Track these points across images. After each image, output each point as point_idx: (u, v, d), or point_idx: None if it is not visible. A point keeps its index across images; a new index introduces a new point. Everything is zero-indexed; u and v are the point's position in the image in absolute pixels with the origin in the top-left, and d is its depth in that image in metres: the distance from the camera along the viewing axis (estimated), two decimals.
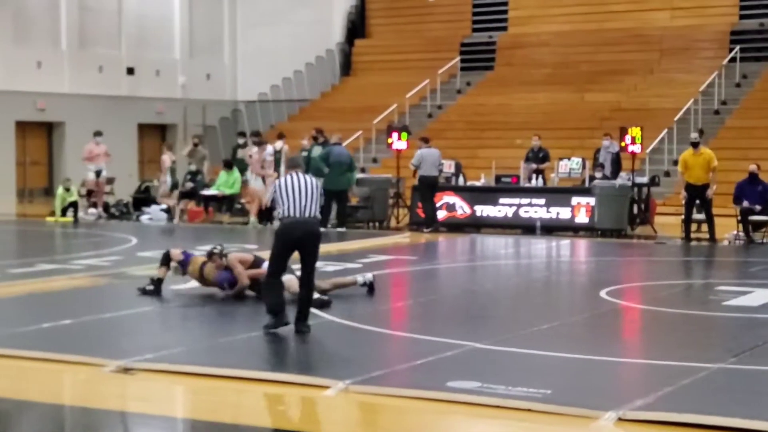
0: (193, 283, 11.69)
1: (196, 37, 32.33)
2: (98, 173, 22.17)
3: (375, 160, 27.47)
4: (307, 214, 9.24)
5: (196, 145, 23.53)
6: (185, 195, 22.08)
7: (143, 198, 22.41)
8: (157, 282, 11.33)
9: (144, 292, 11.24)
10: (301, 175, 9.45)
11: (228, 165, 21.78)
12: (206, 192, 21.57)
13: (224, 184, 21.41)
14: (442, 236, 18.85)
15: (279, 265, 9.43)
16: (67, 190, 21.09)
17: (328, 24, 33.14)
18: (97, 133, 22.74)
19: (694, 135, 18.44)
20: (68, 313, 10.12)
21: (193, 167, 22.35)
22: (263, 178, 19.93)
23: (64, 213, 20.96)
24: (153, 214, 21.64)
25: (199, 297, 11.22)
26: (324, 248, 15.93)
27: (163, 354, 8.17)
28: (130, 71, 30.25)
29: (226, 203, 21.39)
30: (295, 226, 9.23)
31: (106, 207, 22.34)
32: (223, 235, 18.82)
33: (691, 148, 17.92)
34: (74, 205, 21.11)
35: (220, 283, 11.14)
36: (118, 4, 30.01)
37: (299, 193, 9.27)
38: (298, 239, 9.25)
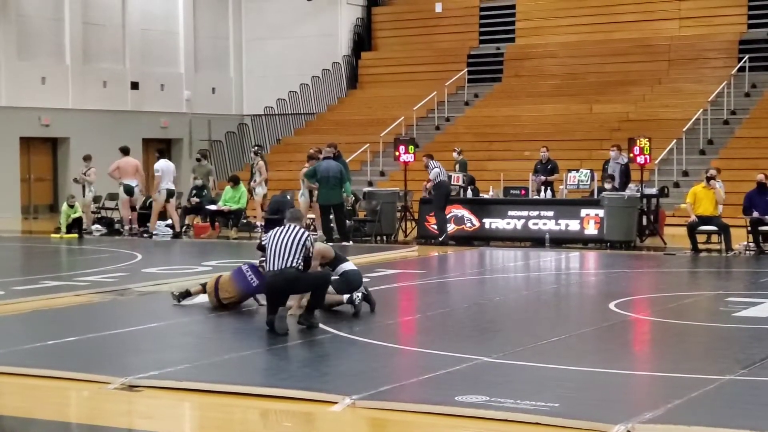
0: (201, 298, 11.63)
1: (201, 51, 32.36)
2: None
3: (382, 173, 27.42)
4: (285, 266, 9.82)
5: (198, 160, 23.46)
6: (191, 210, 22.04)
7: (148, 214, 22.31)
8: (186, 293, 11.48)
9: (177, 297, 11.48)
10: (292, 228, 10.04)
11: (234, 180, 21.74)
12: (212, 207, 21.51)
13: (231, 199, 21.38)
14: (451, 249, 18.77)
15: (273, 309, 9.84)
16: (71, 206, 21.06)
17: (334, 37, 33.14)
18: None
19: (712, 171, 18.27)
20: (73, 330, 10.07)
21: (198, 182, 22.29)
22: (310, 192, 19.94)
23: (69, 230, 20.93)
24: (158, 230, 21.59)
25: (204, 312, 11.16)
26: None
27: (168, 371, 8.10)
28: (135, 86, 30.27)
29: (233, 218, 21.33)
30: (276, 277, 9.88)
31: (111, 223, 22.28)
32: (230, 250, 18.77)
33: (704, 182, 17.82)
34: (79, 221, 21.09)
35: (252, 291, 11.19)
36: (122, 19, 30.05)
37: (282, 247, 9.88)
38: (282, 288, 9.86)
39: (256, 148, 22.75)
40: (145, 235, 21.05)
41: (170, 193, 21.05)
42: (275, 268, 9.92)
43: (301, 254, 9.94)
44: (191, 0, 31.81)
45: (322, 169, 19.22)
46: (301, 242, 9.96)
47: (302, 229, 10.12)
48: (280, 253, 9.91)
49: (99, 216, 22.75)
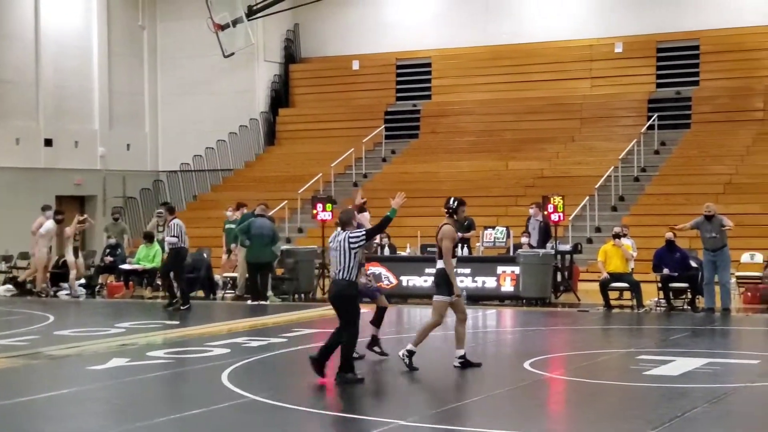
0: (114, 362, 11.43)
1: (116, 108, 32.04)
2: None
3: (300, 230, 27.39)
4: (339, 276, 10.49)
5: (116, 219, 23.19)
6: (105, 269, 21.72)
7: (61, 273, 21.91)
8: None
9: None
10: (339, 234, 10.64)
11: (148, 238, 21.50)
12: (126, 266, 21.24)
13: (145, 257, 21.12)
14: (368, 308, 18.71)
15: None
16: None
17: (251, 93, 33.15)
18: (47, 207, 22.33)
19: (617, 229, 18.78)
20: None
21: (112, 241, 22.02)
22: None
23: None
24: (71, 290, 21.22)
25: (116, 377, 10.96)
26: (246, 322, 15.92)
27: None
28: (48, 143, 29.79)
29: (147, 277, 21.06)
30: (331, 287, 10.71)
31: (23, 283, 21.83)
32: (145, 310, 18.51)
33: (612, 240, 18.29)
34: None
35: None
36: (35, 76, 29.65)
37: (336, 256, 10.51)
38: (333, 301, 10.66)
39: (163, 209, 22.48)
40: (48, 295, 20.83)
41: None
42: (333, 276, 10.70)
43: (351, 259, 10.39)
44: (106, 56, 31.57)
45: (256, 226, 19.27)
46: (344, 248, 10.44)
47: (343, 233, 10.59)
48: (337, 261, 10.51)
49: (10, 276, 22.27)
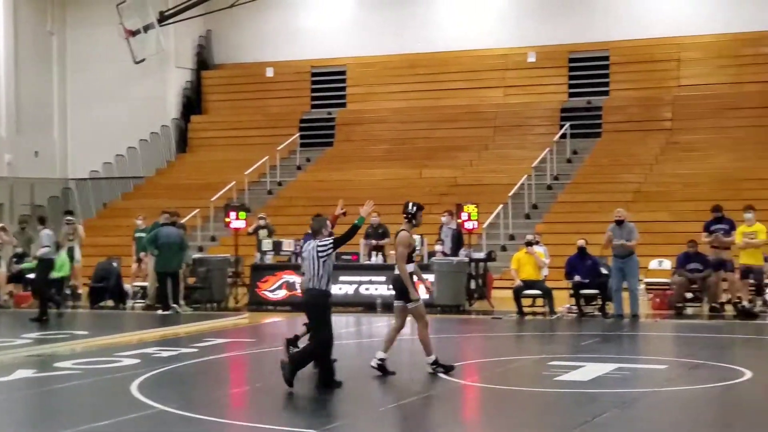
0: (19, 373, 11.12)
1: (24, 114, 31.33)
2: None
3: (213, 239, 27.10)
4: (311, 284, 10.49)
5: (23, 228, 22.66)
6: (12, 279, 21.20)
7: None
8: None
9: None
10: (311, 242, 10.58)
11: (56, 247, 21.00)
12: (33, 275, 20.71)
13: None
14: (282, 316, 18.63)
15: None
16: None
17: (162, 100, 32.72)
18: None
19: (529, 237, 19.01)
20: None
21: (19, 250, 21.52)
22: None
23: None
24: None
25: (21, 388, 10.67)
26: (157, 332, 15.66)
27: None
28: None
29: (56, 286, 20.56)
30: (304, 296, 10.73)
31: None
32: (53, 320, 18.09)
33: (525, 248, 18.47)
34: None
35: None
36: None
37: (307, 265, 10.52)
38: (302, 307, 10.83)
39: (69, 218, 22.03)
40: None
41: None
42: (305, 284, 10.66)
43: (320, 268, 10.39)
44: (13, 61, 30.89)
45: (163, 235, 19.09)
46: (314, 256, 10.43)
47: (312, 242, 10.55)
48: (307, 270, 10.51)
49: None
